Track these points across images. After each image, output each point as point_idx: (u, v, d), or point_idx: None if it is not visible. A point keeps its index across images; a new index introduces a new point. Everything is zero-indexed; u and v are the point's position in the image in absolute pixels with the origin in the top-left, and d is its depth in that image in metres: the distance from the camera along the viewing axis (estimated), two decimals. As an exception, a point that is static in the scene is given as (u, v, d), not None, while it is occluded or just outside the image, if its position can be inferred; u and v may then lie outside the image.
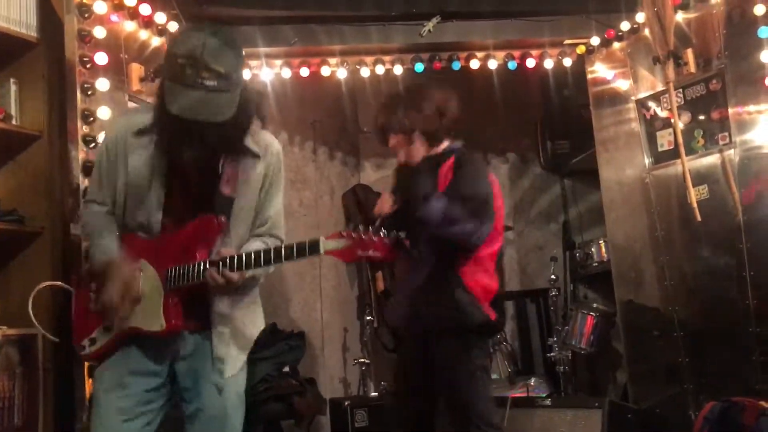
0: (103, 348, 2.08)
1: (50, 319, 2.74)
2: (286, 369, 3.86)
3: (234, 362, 2.10)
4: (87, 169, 2.90)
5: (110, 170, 2.09)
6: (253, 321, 2.20)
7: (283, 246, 1.93)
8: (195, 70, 1.78)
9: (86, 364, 2.69)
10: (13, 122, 2.99)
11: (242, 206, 2.08)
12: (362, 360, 4.26)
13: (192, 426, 2.09)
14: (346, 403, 3.68)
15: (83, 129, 2.95)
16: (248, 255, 1.95)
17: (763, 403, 2.95)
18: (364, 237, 1.83)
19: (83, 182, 2.90)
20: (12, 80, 3.03)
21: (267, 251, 1.94)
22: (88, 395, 2.70)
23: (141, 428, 2.03)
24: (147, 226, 2.05)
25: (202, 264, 1.96)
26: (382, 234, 1.86)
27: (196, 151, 1.93)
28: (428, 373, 2.64)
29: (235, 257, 1.95)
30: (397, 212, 2.64)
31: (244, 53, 1.96)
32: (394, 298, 2.86)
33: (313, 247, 1.86)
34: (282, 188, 2.20)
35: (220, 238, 2.03)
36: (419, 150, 2.72)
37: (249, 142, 2.08)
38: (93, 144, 2.95)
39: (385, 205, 2.66)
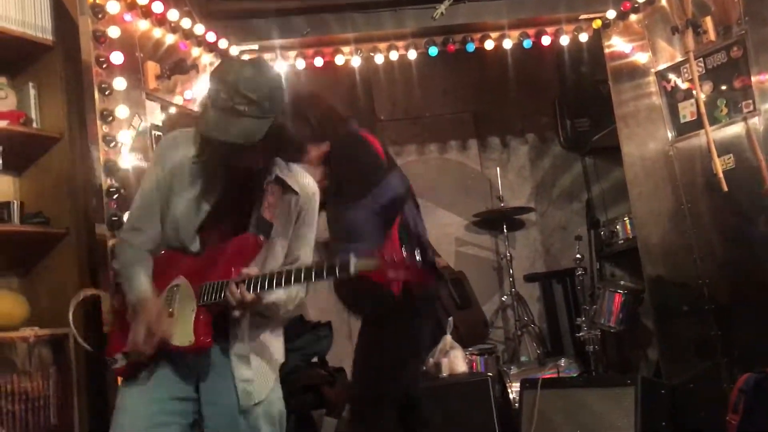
0: (135, 363, 2.06)
1: (81, 323, 2.75)
2: (315, 359, 3.88)
3: (262, 384, 2.08)
4: (108, 169, 2.92)
5: (155, 193, 2.10)
6: (274, 349, 2.18)
7: (314, 265, 1.92)
8: (228, 95, 1.88)
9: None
10: (34, 125, 3.02)
11: (279, 234, 2.10)
12: (390, 348, 4.25)
13: None
14: (377, 391, 3.67)
15: (103, 129, 2.96)
16: (278, 273, 1.93)
17: (798, 372, 2.91)
18: (396, 258, 1.82)
19: (105, 182, 2.92)
20: (31, 84, 3.06)
21: (297, 270, 1.92)
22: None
23: None
24: (184, 244, 2.06)
25: (229, 282, 1.95)
26: (414, 256, 1.86)
27: (232, 170, 2.01)
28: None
29: (266, 276, 1.94)
30: None
31: (282, 86, 1.99)
32: None
33: (344, 268, 1.84)
34: (314, 229, 2.21)
35: (260, 259, 2.05)
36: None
37: (290, 179, 2.11)
38: (113, 143, 2.96)
39: None
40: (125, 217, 2.85)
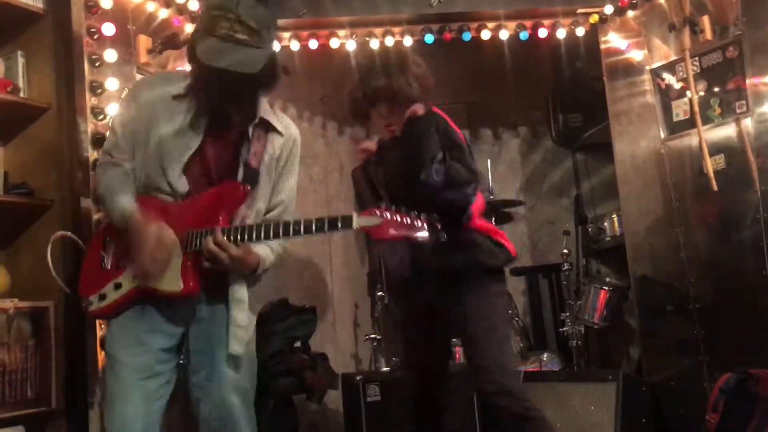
0: (114, 304, 2.06)
1: (62, 276, 2.70)
2: (298, 344, 3.86)
3: (249, 329, 2.09)
4: (96, 141, 2.88)
5: (135, 130, 2.07)
6: (257, 298, 2.20)
7: (314, 219, 1.92)
8: (228, 22, 1.85)
9: (98, 335, 2.69)
10: (21, 95, 2.97)
11: (265, 181, 2.09)
12: (373, 336, 4.24)
13: (200, 392, 2.07)
14: (358, 378, 3.67)
15: (92, 101, 2.92)
16: (276, 224, 1.95)
17: (779, 373, 2.93)
18: (397, 217, 1.84)
19: (92, 154, 2.88)
20: (19, 52, 3.00)
21: (297, 222, 1.94)
22: (100, 367, 2.69)
23: (159, 387, 2.04)
24: (169, 190, 2.03)
25: (216, 229, 1.95)
26: (413, 215, 1.87)
27: (223, 101, 1.96)
28: (442, 325, 2.62)
29: (263, 225, 1.95)
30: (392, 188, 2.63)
31: (276, 16, 2.02)
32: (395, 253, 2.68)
33: (347, 222, 1.87)
34: (296, 174, 2.21)
35: (244, 207, 2.03)
36: (400, 120, 2.56)
37: (273, 119, 2.09)
38: (102, 116, 2.92)
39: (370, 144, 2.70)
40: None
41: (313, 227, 1.90)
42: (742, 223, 3.35)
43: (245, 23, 1.85)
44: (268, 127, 2.09)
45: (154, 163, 2.03)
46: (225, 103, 1.98)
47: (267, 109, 2.12)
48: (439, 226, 1.93)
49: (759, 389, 2.97)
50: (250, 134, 2.05)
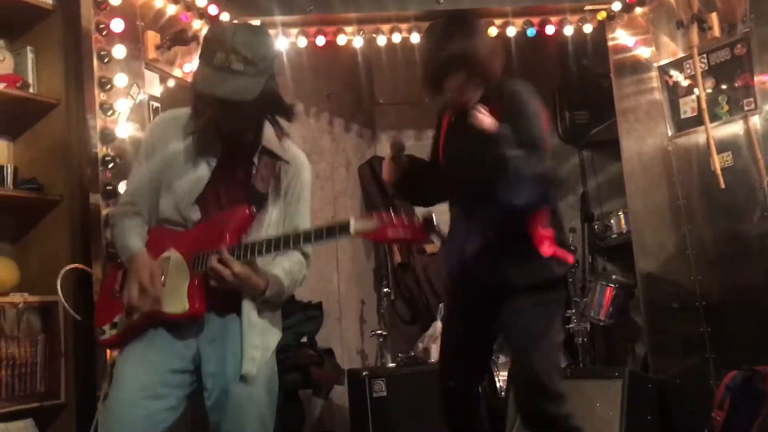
0: (125, 331, 2.08)
1: (72, 293, 2.74)
2: (304, 339, 3.87)
3: (265, 351, 2.08)
4: (105, 137, 2.90)
5: (149, 168, 2.12)
6: (276, 322, 2.19)
7: (313, 229, 1.95)
8: (224, 54, 1.91)
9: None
10: (31, 90, 2.99)
11: (273, 206, 2.11)
12: (379, 332, 4.25)
13: (216, 416, 2.03)
14: (364, 373, 3.68)
15: (101, 97, 2.93)
16: (277, 239, 1.96)
17: (786, 371, 2.93)
18: (394, 219, 1.85)
19: (101, 150, 2.89)
20: (29, 48, 3.02)
21: (296, 233, 1.96)
22: (109, 361, 2.71)
23: (162, 411, 1.99)
24: (182, 221, 2.07)
25: (223, 249, 1.97)
26: (409, 217, 1.88)
27: (226, 128, 2.02)
28: (486, 333, 2.48)
29: (264, 241, 1.96)
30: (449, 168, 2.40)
31: (275, 49, 2.09)
32: (453, 247, 2.41)
33: (344, 229, 1.87)
34: (309, 201, 2.22)
35: (254, 230, 2.05)
36: (476, 95, 2.28)
37: (278, 148, 2.12)
38: (111, 112, 2.93)
39: (390, 172, 2.39)
40: (120, 187, 2.84)
41: (312, 237, 1.92)
42: (749, 220, 3.35)
43: (240, 53, 1.90)
44: (274, 156, 2.12)
45: (168, 200, 2.08)
46: (229, 131, 2.04)
47: (273, 139, 2.13)
48: (438, 229, 1.91)
49: (765, 387, 2.97)
50: (257, 161, 2.09)
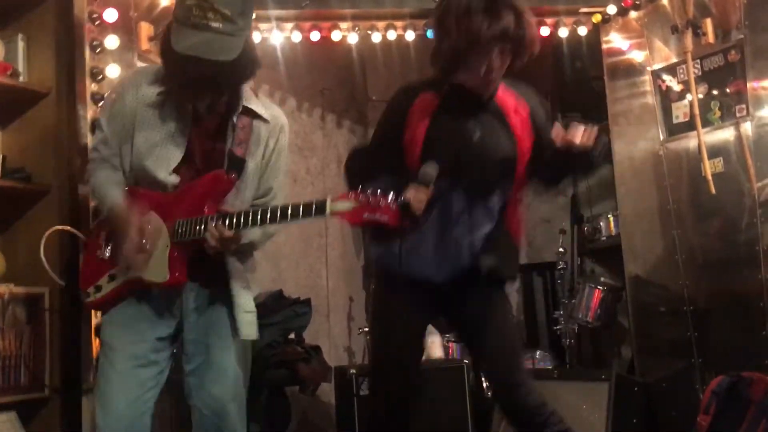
0: (108, 296, 2.08)
1: (58, 269, 2.69)
2: (292, 336, 3.86)
3: (248, 315, 2.10)
4: (95, 128, 2.87)
5: (123, 128, 2.08)
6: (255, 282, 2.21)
7: (290, 205, 1.92)
8: (201, 11, 1.82)
9: (93, 323, 2.69)
10: (21, 79, 2.94)
11: (251, 169, 2.09)
12: (367, 329, 4.25)
13: (196, 380, 2.09)
14: (351, 371, 3.67)
15: (92, 87, 2.90)
16: (254, 212, 1.94)
17: (771, 377, 2.95)
18: (371, 200, 1.80)
19: (91, 141, 2.86)
20: (20, 36, 2.97)
21: (273, 209, 1.93)
22: (94, 355, 2.69)
23: (154, 376, 2.05)
24: (159, 183, 2.04)
25: (207, 219, 1.96)
26: (390, 198, 1.82)
27: (203, 92, 1.94)
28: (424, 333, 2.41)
29: (242, 214, 1.96)
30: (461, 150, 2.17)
31: (252, 3, 1.99)
32: (420, 246, 2.20)
33: (320, 207, 1.85)
34: (285, 161, 2.20)
35: (231, 196, 2.04)
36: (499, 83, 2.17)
37: (258, 107, 2.09)
38: (102, 102, 2.90)
39: (421, 205, 1.98)
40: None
41: (289, 213, 1.89)
42: (738, 227, 3.37)
43: (219, 11, 1.82)
44: (252, 115, 2.08)
45: (143, 159, 2.04)
46: (205, 92, 1.95)
47: (251, 96, 2.10)
48: (417, 213, 1.85)
49: (751, 393, 2.99)
50: (235, 123, 2.05)
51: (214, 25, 1.82)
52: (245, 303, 2.08)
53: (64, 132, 2.94)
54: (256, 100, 2.12)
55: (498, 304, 2.30)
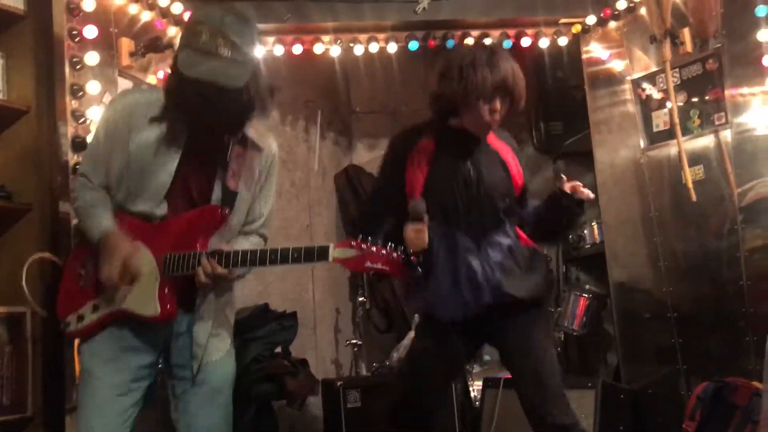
0: (92, 326, 2.05)
1: (40, 296, 2.68)
2: (278, 349, 3.84)
3: (219, 345, 2.10)
4: (76, 145, 2.85)
5: (109, 150, 2.05)
6: (230, 306, 2.20)
7: (291, 248, 1.93)
8: (211, 37, 1.83)
9: (76, 342, 2.65)
10: (0, 97, 2.93)
11: (242, 200, 2.09)
12: (354, 341, 4.24)
13: (184, 403, 2.08)
14: (339, 384, 3.66)
15: (72, 104, 2.89)
16: (254, 252, 1.95)
17: (755, 383, 2.96)
18: (375, 249, 1.84)
19: (72, 158, 2.85)
20: (-1, 53, 2.97)
21: (274, 251, 1.94)
22: (77, 373, 2.66)
23: (135, 402, 2.03)
24: (147, 212, 2.02)
25: (200, 255, 1.95)
26: (393, 249, 1.87)
27: (207, 117, 1.94)
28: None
29: (240, 253, 1.95)
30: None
31: (259, 34, 1.99)
32: (437, 289, 2.30)
33: (322, 254, 1.88)
34: (274, 186, 2.21)
35: (222, 230, 2.03)
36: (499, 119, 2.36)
37: (252, 135, 2.09)
38: (82, 119, 2.89)
39: (422, 239, 2.11)
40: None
41: (290, 257, 1.91)
42: (720, 233, 3.40)
43: (229, 38, 1.83)
44: (247, 144, 2.08)
45: (132, 186, 2.02)
46: (207, 117, 1.94)
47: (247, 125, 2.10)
48: (416, 261, 1.92)
49: (736, 398, 3.01)
50: (230, 153, 2.04)
51: (223, 51, 1.82)
52: (199, 336, 2.06)
53: (44, 149, 2.92)
54: (250, 128, 2.11)
55: (531, 328, 2.35)
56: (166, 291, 1.97)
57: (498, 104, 2.28)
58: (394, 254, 1.85)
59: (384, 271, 1.85)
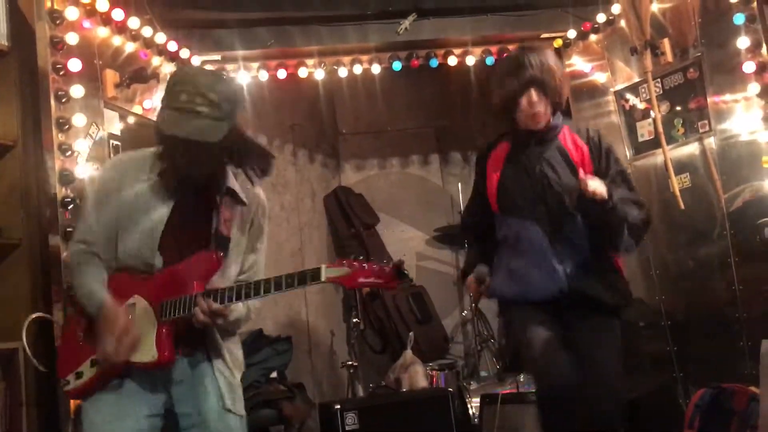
0: (90, 381, 2.04)
1: (33, 340, 2.68)
2: (274, 374, 3.82)
3: (236, 390, 2.09)
4: (64, 178, 2.85)
5: (104, 212, 2.08)
6: (237, 355, 2.19)
7: (284, 276, 1.93)
8: (189, 96, 1.89)
9: (72, 405, 2.64)
10: (-14, 132, 2.93)
11: (234, 248, 2.10)
12: (350, 363, 4.22)
13: None
14: (336, 407, 3.63)
15: (59, 137, 2.89)
16: (248, 285, 1.95)
17: (752, 387, 2.97)
18: (366, 265, 1.87)
19: (60, 191, 2.85)
20: (-17, 90, 2.97)
21: (267, 281, 1.94)
22: (72, 408, 2.64)
23: None
24: (144, 266, 2.03)
25: (196, 295, 1.95)
26: (383, 263, 1.89)
27: (191, 172, 1.99)
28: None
29: (234, 287, 1.96)
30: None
31: (239, 92, 2.05)
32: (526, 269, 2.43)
33: (315, 276, 1.88)
34: (266, 234, 2.22)
35: (218, 275, 2.04)
36: (547, 118, 2.43)
37: (237, 188, 2.11)
38: (69, 152, 2.89)
39: (478, 292, 2.50)
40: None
41: (284, 284, 1.92)
42: (709, 239, 3.42)
43: (206, 96, 1.89)
44: (234, 196, 2.12)
45: (128, 244, 2.04)
46: (191, 173, 2.01)
47: (232, 178, 2.13)
48: (407, 271, 1.94)
49: (733, 403, 3.01)
50: (219, 202, 2.08)
51: (200, 108, 1.89)
52: (223, 369, 2.06)
53: (32, 184, 2.92)
54: (235, 182, 2.14)
55: (598, 333, 2.39)
56: (164, 336, 1.98)
57: (534, 96, 2.37)
58: (384, 268, 1.87)
59: (378, 284, 1.88)
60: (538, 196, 2.40)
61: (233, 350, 2.14)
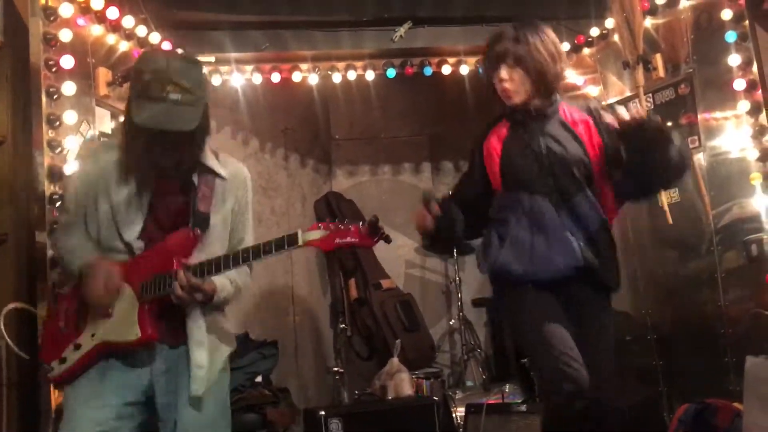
0: (74, 366, 2.04)
1: (16, 334, 2.66)
2: (259, 379, 3.80)
3: (213, 370, 2.06)
4: (53, 175, 2.85)
5: (83, 198, 2.09)
6: (225, 338, 2.18)
7: (261, 243, 1.94)
8: (160, 84, 1.89)
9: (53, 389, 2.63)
10: (-25, 127, 2.92)
11: (216, 223, 2.10)
12: (336, 369, 4.21)
13: None
14: (321, 413, 3.62)
15: (49, 134, 2.88)
16: (226, 256, 1.96)
17: (736, 404, 2.97)
18: (340, 226, 1.88)
19: (49, 188, 2.84)
20: (-26, 84, 2.96)
21: (246, 249, 1.96)
22: (54, 408, 2.62)
23: None
24: (125, 249, 2.04)
25: (175, 272, 1.95)
26: (357, 222, 1.91)
27: (166, 160, 1.98)
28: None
29: (213, 260, 1.96)
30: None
31: (206, 73, 2.06)
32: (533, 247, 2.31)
33: (292, 240, 1.89)
34: (251, 209, 2.23)
35: (196, 251, 2.04)
36: (527, 94, 2.31)
37: (216, 165, 2.12)
38: (59, 149, 2.89)
39: (426, 221, 2.30)
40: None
41: (261, 251, 1.91)
42: (697, 255, 3.43)
43: (178, 83, 1.89)
44: (212, 173, 2.12)
45: (108, 229, 2.04)
46: (166, 159, 2.00)
47: (209, 155, 2.13)
48: (383, 231, 1.94)
49: (717, 420, 3.01)
50: (197, 182, 2.08)
51: (173, 96, 1.88)
52: (197, 358, 2.03)
53: (21, 180, 2.91)
54: (214, 158, 2.14)
55: (596, 313, 2.36)
56: (146, 314, 1.98)
57: (505, 73, 2.28)
58: (360, 227, 1.88)
59: (354, 243, 1.88)
60: (545, 170, 2.31)
61: (221, 323, 2.13)
